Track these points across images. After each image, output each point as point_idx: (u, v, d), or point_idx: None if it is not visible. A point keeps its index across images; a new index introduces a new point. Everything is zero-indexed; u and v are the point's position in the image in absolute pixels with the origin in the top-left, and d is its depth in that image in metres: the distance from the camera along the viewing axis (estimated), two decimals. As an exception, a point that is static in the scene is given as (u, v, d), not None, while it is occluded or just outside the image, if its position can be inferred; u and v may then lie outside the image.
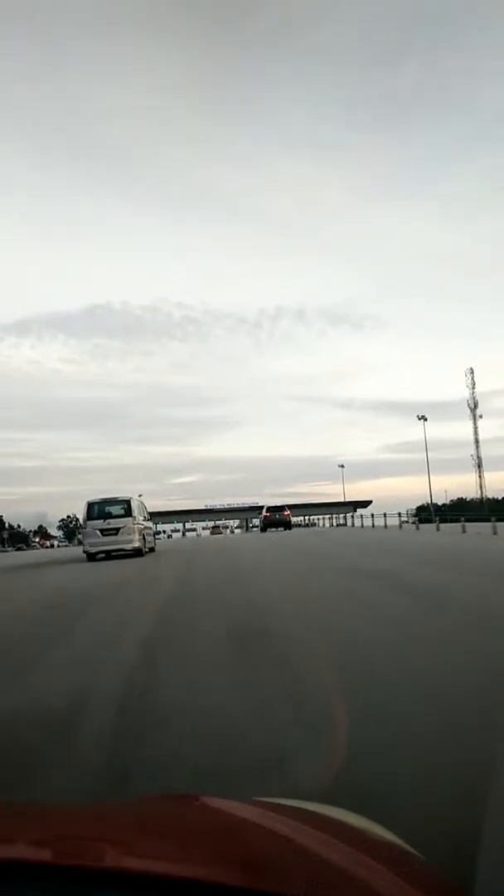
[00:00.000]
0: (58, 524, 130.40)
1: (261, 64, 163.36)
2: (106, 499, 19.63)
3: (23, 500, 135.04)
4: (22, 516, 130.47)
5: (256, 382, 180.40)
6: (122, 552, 18.58)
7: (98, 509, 19.19)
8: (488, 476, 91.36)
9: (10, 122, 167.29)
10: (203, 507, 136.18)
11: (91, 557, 18.99)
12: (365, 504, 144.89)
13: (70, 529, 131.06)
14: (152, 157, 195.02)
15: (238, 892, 0.70)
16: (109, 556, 18.85)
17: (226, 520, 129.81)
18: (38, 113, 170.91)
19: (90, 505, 19.36)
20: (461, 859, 0.92)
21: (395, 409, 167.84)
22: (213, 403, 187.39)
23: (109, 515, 18.99)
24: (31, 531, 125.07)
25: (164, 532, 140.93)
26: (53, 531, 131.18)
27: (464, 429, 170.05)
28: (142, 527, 20.03)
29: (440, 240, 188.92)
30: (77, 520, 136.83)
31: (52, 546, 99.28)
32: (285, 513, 40.80)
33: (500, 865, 0.81)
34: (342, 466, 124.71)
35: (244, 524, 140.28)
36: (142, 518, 20.41)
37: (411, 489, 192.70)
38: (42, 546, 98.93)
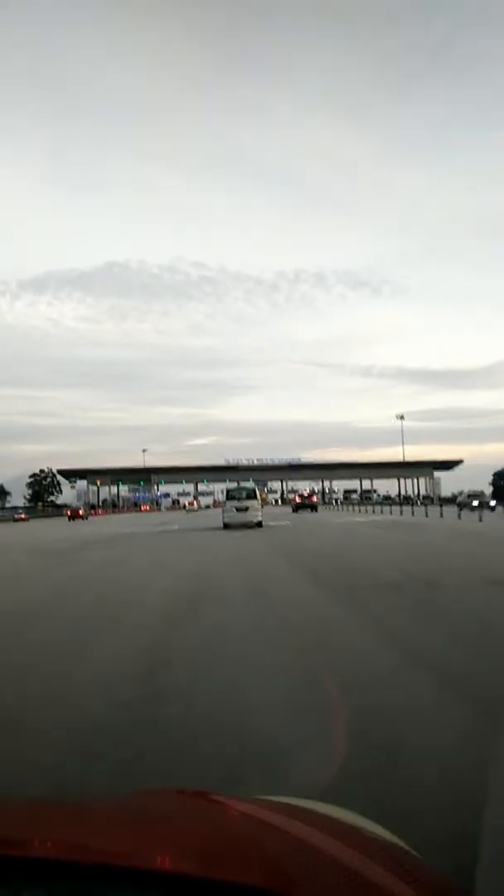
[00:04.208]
0: (27, 481, 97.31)
1: (281, 20, 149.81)
2: (239, 486, 28.44)
3: (38, 457, 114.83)
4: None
5: (274, 346, 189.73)
6: (249, 524, 24.02)
7: (234, 493, 26.52)
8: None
9: (30, 81, 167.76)
10: (224, 464, 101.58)
11: (226, 527, 24.14)
12: (451, 464, 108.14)
13: (43, 487, 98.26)
14: (171, 116, 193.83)
15: (237, 890, 0.70)
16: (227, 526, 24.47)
17: (253, 479, 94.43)
18: (57, 73, 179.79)
19: (228, 490, 28.49)
20: (459, 857, 0.91)
21: (415, 376, 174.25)
22: (229, 366, 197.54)
23: (241, 498, 25.55)
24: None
25: (162, 499, 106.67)
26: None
27: (490, 396, 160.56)
28: (261, 506, 26.75)
29: (466, 204, 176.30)
30: (54, 475, 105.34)
31: None
32: (312, 499, 49.74)
33: (499, 864, 0.80)
34: (402, 418, 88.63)
35: (283, 491, 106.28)
36: (261, 500, 27.68)
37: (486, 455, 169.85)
38: None
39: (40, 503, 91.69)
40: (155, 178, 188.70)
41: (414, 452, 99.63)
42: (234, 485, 27.79)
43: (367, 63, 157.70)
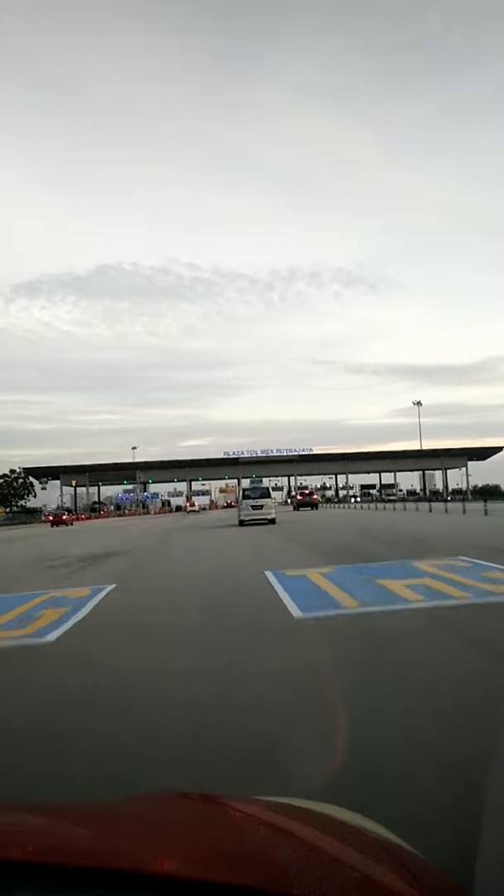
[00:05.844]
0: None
1: (275, 13, 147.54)
2: (253, 486, 33.27)
3: (34, 462, 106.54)
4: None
5: (268, 345, 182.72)
6: (263, 520, 26.07)
7: (249, 493, 28.61)
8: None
9: (19, 82, 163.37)
10: (223, 456, 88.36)
11: (242, 524, 26.20)
12: (489, 452, 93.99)
13: (14, 490, 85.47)
14: (165, 116, 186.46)
15: (239, 891, 0.71)
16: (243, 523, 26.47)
17: (255, 475, 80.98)
18: (47, 73, 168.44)
19: (244, 490, 30.36)
20: (460, 857, 0.93)
21: (410, 372, 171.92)
22: (223, 366, 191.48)
23: (256, 496, 27.64)
24: None
25: (150, 500, 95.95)
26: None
27: (480, 392, 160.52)
28: (275, 505, 28.59)
29: (460, 201, 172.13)
30: (24, 476, 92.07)
31: None
32: (313, 497, 54.40)
33: (499, 864, 0.81)
34: (419, 404, 76.39)
35: (290, 487, 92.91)
36: (273, 499, 29.31)
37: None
38: None
39: (7, 508, 78.88)
40: (149, 178, 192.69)
41: (411, 447, 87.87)
42: (249, 486, 33.46)
43: (363, 59, 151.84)
